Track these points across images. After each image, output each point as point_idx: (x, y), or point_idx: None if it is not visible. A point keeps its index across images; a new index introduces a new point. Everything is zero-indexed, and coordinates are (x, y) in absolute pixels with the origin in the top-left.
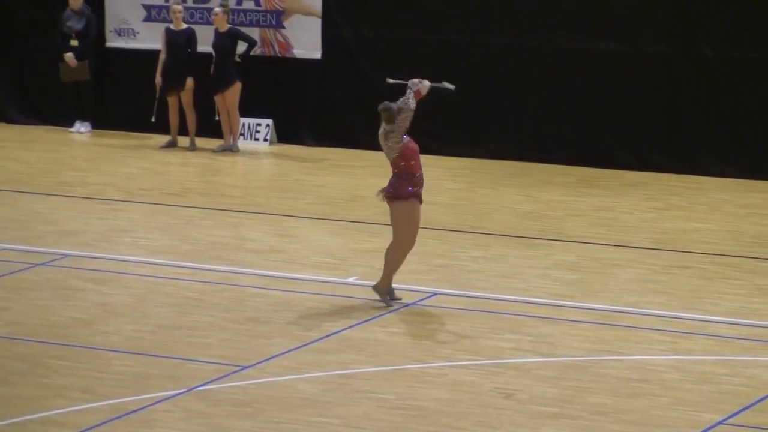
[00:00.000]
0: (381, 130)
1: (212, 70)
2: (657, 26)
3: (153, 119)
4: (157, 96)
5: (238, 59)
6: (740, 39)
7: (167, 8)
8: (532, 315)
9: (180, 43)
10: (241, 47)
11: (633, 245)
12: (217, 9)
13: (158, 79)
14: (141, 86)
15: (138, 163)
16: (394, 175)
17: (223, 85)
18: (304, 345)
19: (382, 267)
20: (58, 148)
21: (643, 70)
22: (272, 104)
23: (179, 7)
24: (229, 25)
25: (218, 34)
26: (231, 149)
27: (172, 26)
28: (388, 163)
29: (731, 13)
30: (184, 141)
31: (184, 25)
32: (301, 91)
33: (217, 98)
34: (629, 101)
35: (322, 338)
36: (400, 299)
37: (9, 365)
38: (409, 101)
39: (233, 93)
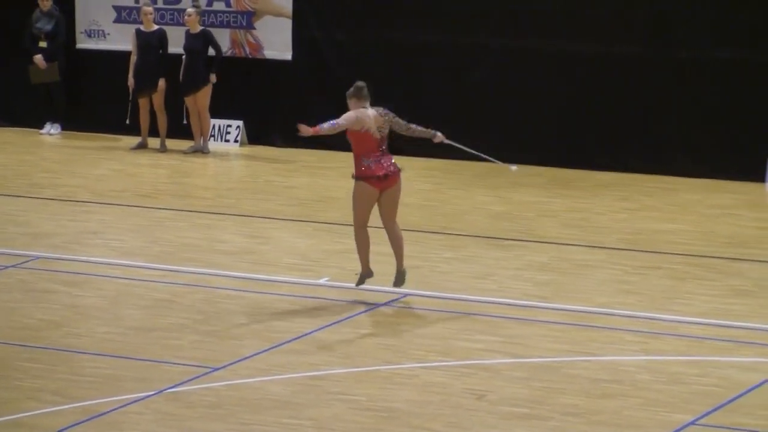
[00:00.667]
0: (378, 111)
1: (182, 71)
2: (631, 28)
3: (128, 121)
4: (131, 98)
5: (213, 78)
6: (714, 41)
7: (138, 9)
8: (504, 316)
9: (151, 44)
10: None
11: (605, 246)
12: (190, 10)
13: (131, 81)
14: (111, 88)
15: (109, 164)
16: (387, 152)
17: (195, 87)
18: (276, 346)
19: (397, 253)
20: (29, 149)
21: (617, 72)
22: (243, 105)
23: (150, 9)
24: (202, 27)
25: (190, 36)
26: (201, 150)
27: (142, 27)
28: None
29: (705, 16)
30: (154, 142)
31: (155, 26)
32: (272, 92)
33: (188, 99)
34: (603, 102)
35: (293, 340)
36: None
37: None
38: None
39: (204, 94)
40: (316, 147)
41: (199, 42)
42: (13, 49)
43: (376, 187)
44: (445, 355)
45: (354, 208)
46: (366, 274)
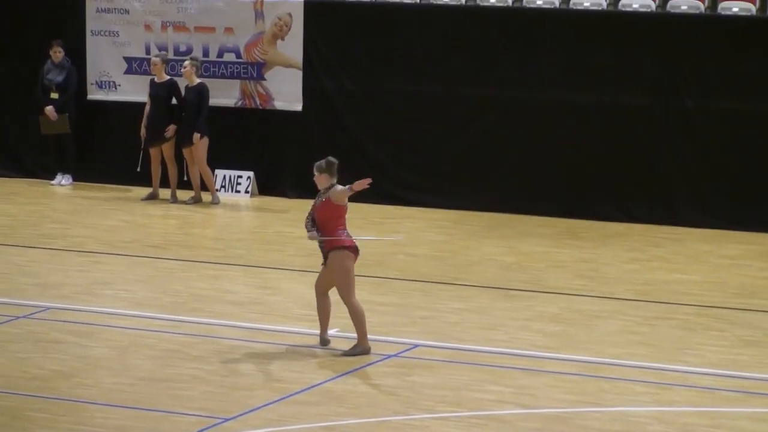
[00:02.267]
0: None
1: (180, 123)
2: (638, 78)
3: (139, 169)
4: (142, 146)
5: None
6: (720, 91)
7: (148, 60)
8: (514, 366)
9: (161, 95)
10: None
11: (615, 296)
12: (186, 63)
13: (143, 131)
14: (122, 138)
15: (119, 215)
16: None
17: (191, 140)
18: (286, 397)
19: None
20: (40, 200)
21: (624, 122)
22: (253, 156)
23: (157, 60)
24: (199, 80)
25: (187, 88)
26: (200, 201)
27: (156, 78)
28: (368, 214)
29: (713, 66)
30: (165, 193)
31: (166, 77)
32: (282, 143)
33: (185, 151)
34: (610, 153)
35: (303, 390)
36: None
37: None
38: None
39: (199, 148)
40: None
41: (194, 94)
42: (25, 101)
43: (356, 256)
44: (455, 406)
45: (347, 281)
46: (366, 349)
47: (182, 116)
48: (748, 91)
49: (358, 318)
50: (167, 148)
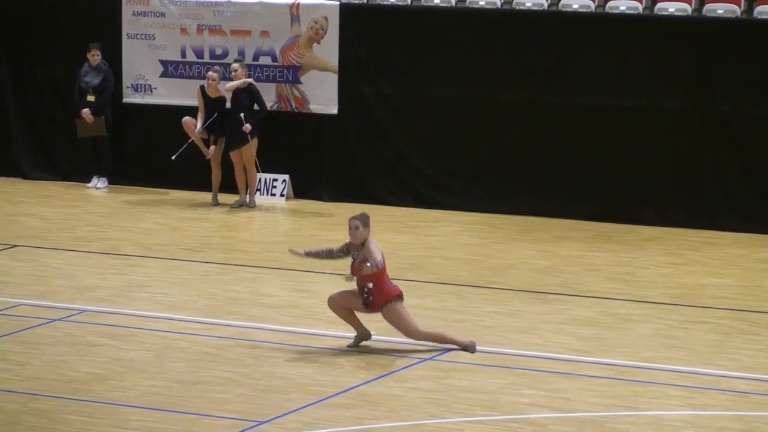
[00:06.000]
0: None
1: (231, 126)
2: (675, 82)
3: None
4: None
5: (247, 126)
6: (758, 95)
7: (183, 64)
8: (549, 370)
9: (221, 107)
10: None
11: (650, 300)
12: (235, 65)
13: (200, 132)
14: (158, 142)
15: (154, 218)
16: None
17: (240, 142)
18: (321, 400)
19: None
20: (76, 203)
21: (661, 126)
22: (289, 160)
23: (215, 75)
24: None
25: (236, 90)
26: (247, 205)
27: (208, 92)
28: (403, 218)
29: (749, 70)
30: (207, 197)
31: (220, 93)
32: (318, 146)
33: (233, 154)
34: (647, 157)
35: (338, 393)
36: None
37: (27, 420)
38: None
39: (250, 149)
40: (362, 201)
41: (245, 96)
42: (61, 104)
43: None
44: (490, 410)
45: (407, 323)
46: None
47: (233, 118)
48: None
49: (439, 339)
50: (217, 152)
